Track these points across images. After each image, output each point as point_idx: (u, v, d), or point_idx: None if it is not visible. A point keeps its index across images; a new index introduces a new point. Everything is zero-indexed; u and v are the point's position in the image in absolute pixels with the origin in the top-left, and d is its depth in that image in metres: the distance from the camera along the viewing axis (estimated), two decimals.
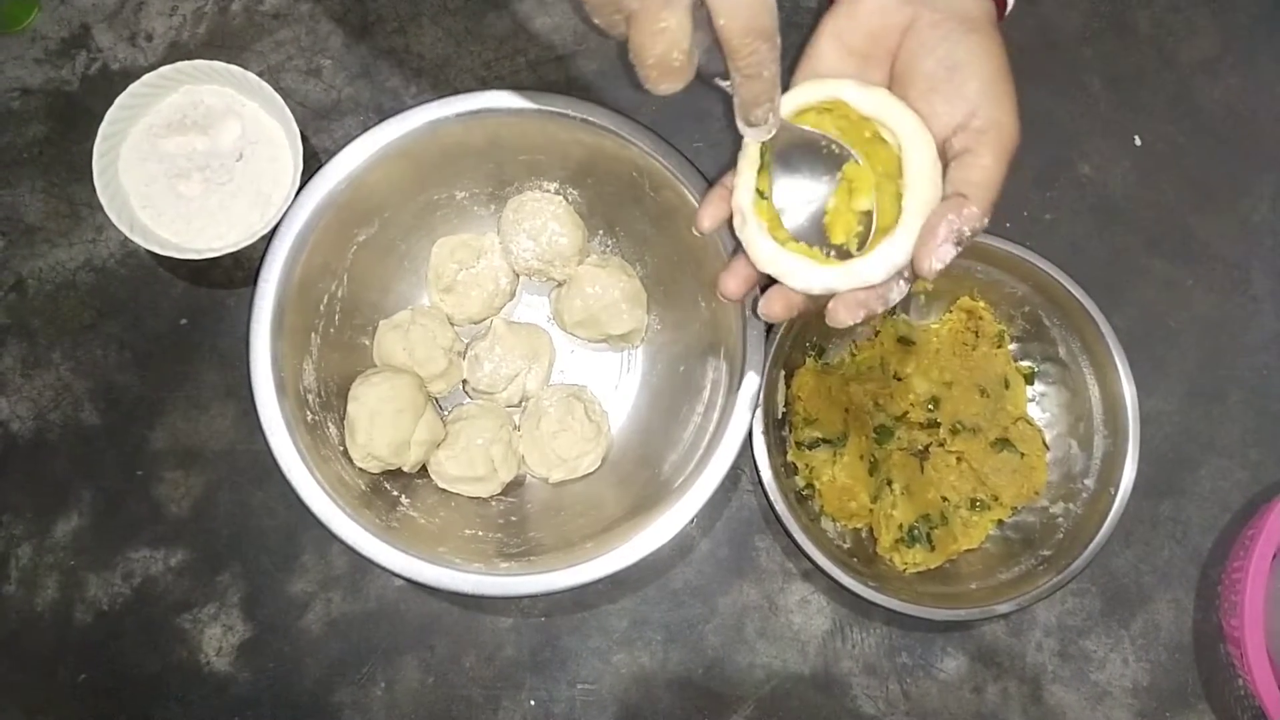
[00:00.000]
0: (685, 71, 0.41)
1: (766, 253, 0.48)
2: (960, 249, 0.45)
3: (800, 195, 0.48)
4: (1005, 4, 0.51)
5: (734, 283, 0.52)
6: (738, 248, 0.50)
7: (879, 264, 0.46)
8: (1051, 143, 0.73)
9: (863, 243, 0.47)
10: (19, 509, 0.67)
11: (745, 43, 0.40)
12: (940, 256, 0.45)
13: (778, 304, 0.50)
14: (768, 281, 0.50)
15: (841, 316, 0.47)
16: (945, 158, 0.47)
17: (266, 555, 0.66)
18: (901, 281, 0.47)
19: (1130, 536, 0.68)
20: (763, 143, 0.48)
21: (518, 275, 0.69)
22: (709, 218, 0.51)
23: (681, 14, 0.40)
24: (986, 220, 0.46)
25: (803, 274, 0.47)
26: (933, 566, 0.66)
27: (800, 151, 0.48)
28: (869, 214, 0.47)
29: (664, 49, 0.40)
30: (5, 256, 0.69)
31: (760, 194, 0.49)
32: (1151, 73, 0.75)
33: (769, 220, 0.48)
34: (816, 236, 0.48)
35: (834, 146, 0.48)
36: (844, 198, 0.48)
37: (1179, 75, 0.75)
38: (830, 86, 0.48)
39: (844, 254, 0.48)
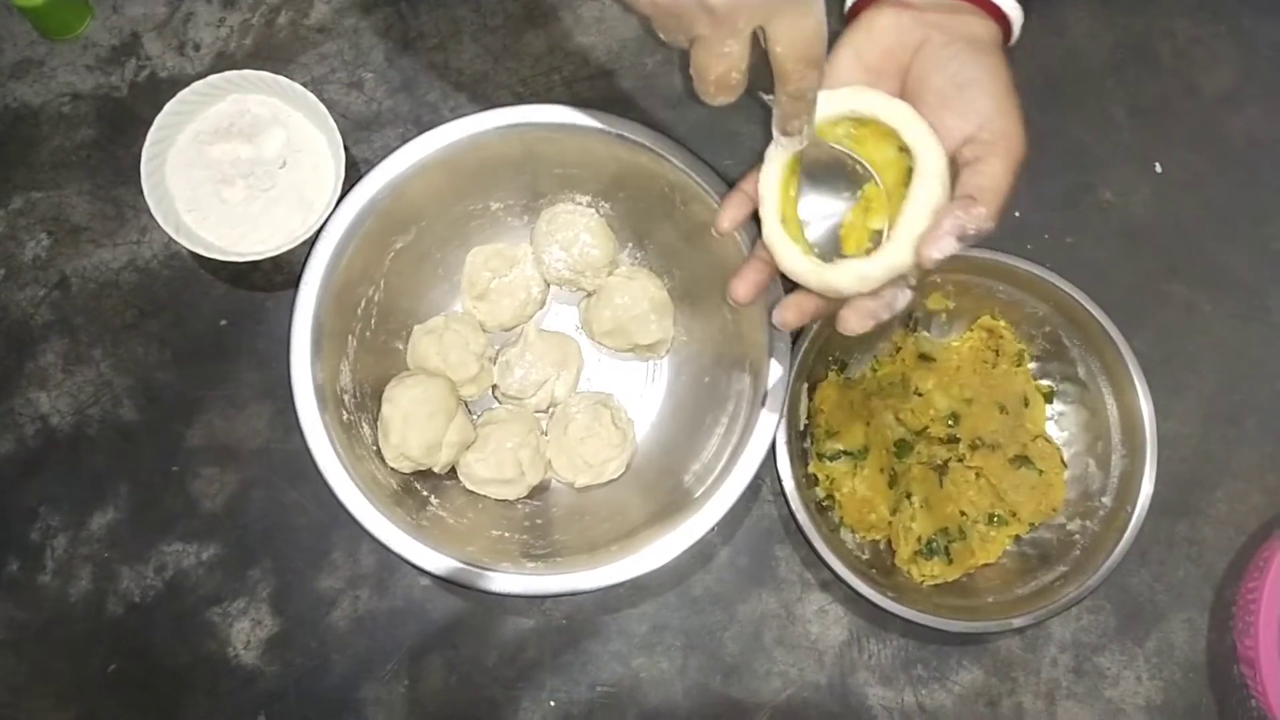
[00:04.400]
0: (740, 88, 0.44)
1: (787, 252, 0.50)
2: (963, 246, 0.47)
3: (822, 209, 0.51)
4: (1010, 30, 0.54)
5: (744, 287, 0.54)
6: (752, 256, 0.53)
7: (879, 264, 0.48)
8: (1075, 168, 0.75)
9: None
10: (57, 501, 0.68)
11: (798, 69, 0.43)
12: (941, 248, 0.46)
13: (791, 312, 0.53)
14: (787, 289, 0.52)
15: (852, 324, 0.49)
16: (956, 167, 0.49)
17: (297, 552, 0.68)
18: (906, 290, 0.49)
19: (1146, 555, 0.69)
20: (793, 155, 0.50)
21: (549, 285, 0.70)
22: (729, 219, 0.55)
23: (744, 41, 0.42)
24: (993, 224, 0.47)
25: (811, 274, 0.50)
26: (950, 579, 0.67)
27: (827, 167, 0.50)
28: (879, 233, 0.50)
29: (724, 69, 0.43)
30: (51, 255, 0.71)
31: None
32: (1174, 102, 0.76)
33: (791, 225, 0.51)
34: (832, 247, 0.50)
35: (859, 166, 0.50)
36: (860, 215, 0.50)
37: (1201, 104, 0.76)
38: (862, 98, 0.50)
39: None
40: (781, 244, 0.50)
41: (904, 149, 0.49)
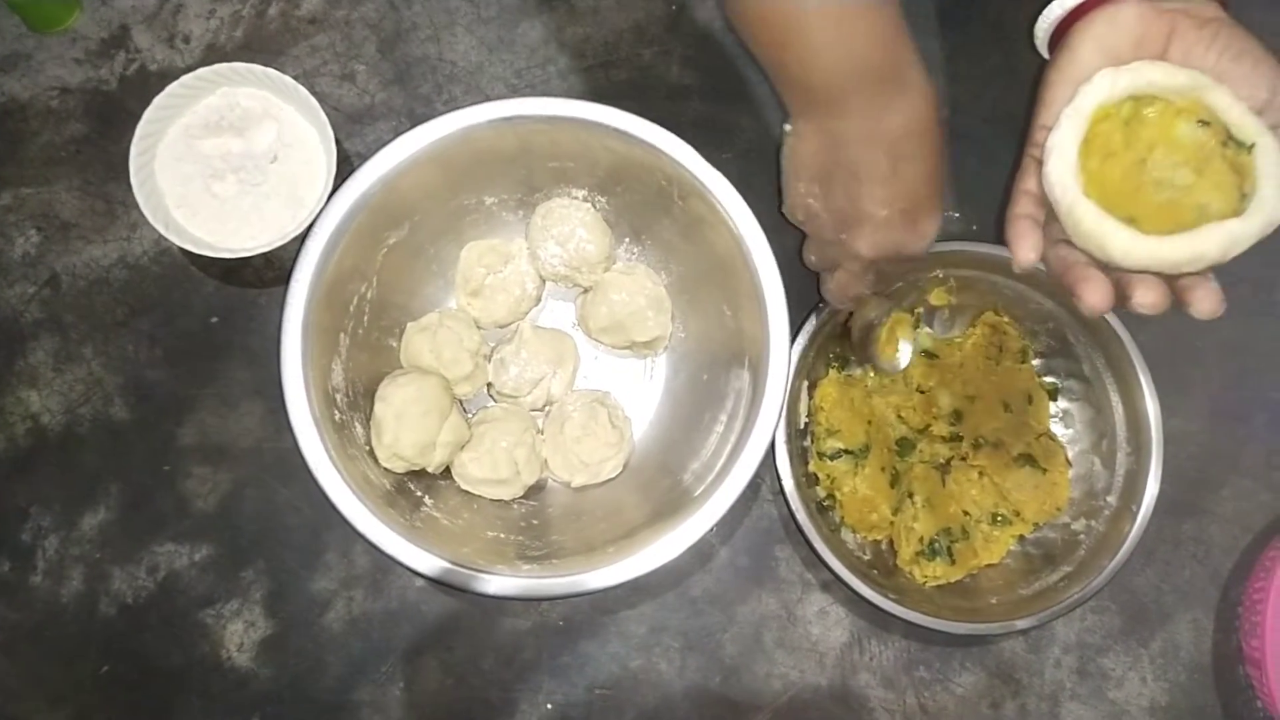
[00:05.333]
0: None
1: (1090, 221, 0.48)
2: None
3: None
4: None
5: (1098, 296, 0.50)
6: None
7: (1250, 225, 0.49)
8: None
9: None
10: (47, 501, 0.67)
11: (897, 276, 0.62)
12: None
13: (1155, 293, 0.50)
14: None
15: (1214, 306, 0.51)
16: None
17: (290, 553, 0.67)
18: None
19: (1151, 555, 0.68)
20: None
21: (544, 281, 0.69)
22: (1030, 249, 0.51)
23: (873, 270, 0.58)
24: None
25: (1132, 248, 0.48)
26: (953, 580, 0.66)
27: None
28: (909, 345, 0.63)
29: (859, 290, 0.59)
30: (41, 252, 0.70)
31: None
32: None
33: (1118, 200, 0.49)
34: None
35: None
36: (889, 329, 0.62)
37: None
38: (1152, 72, 0.49)
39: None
40: (1111, 231, 0.47)
41: (1204, 122, 0.49)
